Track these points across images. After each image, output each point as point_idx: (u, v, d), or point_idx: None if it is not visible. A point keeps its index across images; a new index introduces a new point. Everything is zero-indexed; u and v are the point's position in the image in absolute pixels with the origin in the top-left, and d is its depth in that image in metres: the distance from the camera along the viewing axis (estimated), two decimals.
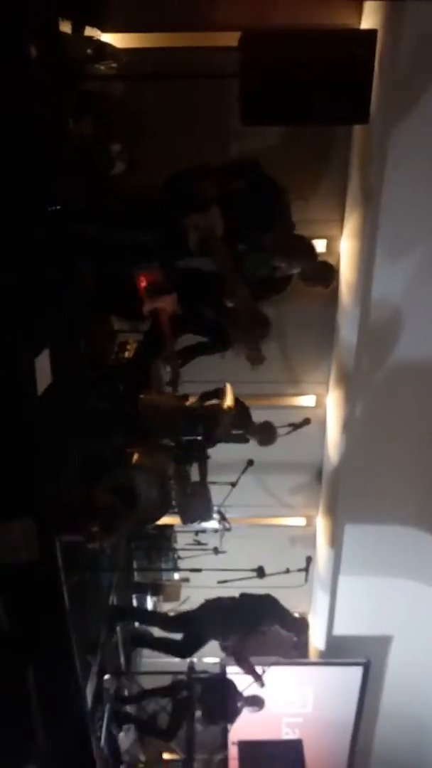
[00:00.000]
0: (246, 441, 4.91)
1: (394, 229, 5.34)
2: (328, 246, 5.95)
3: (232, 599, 5.61)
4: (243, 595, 5.67)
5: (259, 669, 5.58)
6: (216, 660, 6.86)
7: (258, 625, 5.46)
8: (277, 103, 3.76)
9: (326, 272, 4.52)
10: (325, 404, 6.84)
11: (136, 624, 6.32)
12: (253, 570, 5.20)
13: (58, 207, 3.80)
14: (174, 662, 6.24)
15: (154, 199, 4.60)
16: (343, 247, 5.95)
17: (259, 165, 4.15)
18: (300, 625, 5.83)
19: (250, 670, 5.67)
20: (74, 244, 4.12)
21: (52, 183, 3.91)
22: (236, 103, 3.97)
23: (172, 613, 6.32)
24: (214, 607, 5.63)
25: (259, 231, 4.13)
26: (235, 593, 5.67)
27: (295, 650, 5.81)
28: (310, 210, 5.63)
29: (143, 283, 4.34)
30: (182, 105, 5.16)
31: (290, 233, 4.23)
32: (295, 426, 5.07)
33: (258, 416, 5.13)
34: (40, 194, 3.77)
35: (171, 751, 6.69)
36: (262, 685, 5.73)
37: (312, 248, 4.35)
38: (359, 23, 4.96)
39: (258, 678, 5.63)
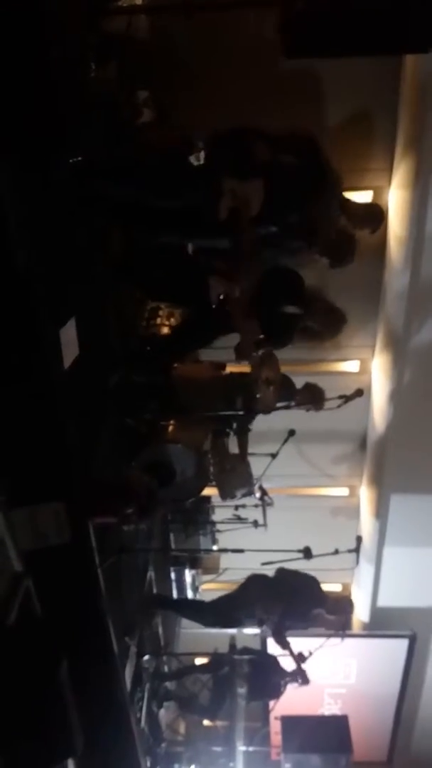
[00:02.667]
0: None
1: None
2: (375, 197, 5.50)
3: (274, 579, 5.36)
4: (283, 573, 5.41)
5: (304, 650, 5.35)
6: (256, 631, 6.71)
7: (300, 609, 5.22)
8: (323, 31, 3.30)
9: (374, 214, 4.09)
10: (370, 370, 6.47)
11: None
12: (299, 551, 4.92)
13: (80, 159, 3.42)
14: (214, 637, 6.10)
15: (184, 155, 4.23)
16: (392, 198, 5.49)
17: (317, 143, 3.69)
18: (343, 605, 5.56)
19: (288, 649, 5.47)
20: (100, 202, 3.77)
21: (73, 134, 3.56)
22: (276, 35, 3.52)
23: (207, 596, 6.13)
24: (254, 589, 5.40)
25: (300, 218, 3.68)
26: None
27: (340, 629, 5.57)
28: (354, 158, 5.18)
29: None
30: (215, 42, 4.71)
31: (334, 227, 3.81)
32: (347, 398, 4.73)
33: (298, 384, 4.81)
34: (61, 146, 3.42)
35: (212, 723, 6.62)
36: (303, 661, 5.54)
37: (353, 248, 3.94)
38: None
39: (298, 658, 5.43)
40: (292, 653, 5.34)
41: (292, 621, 5.27)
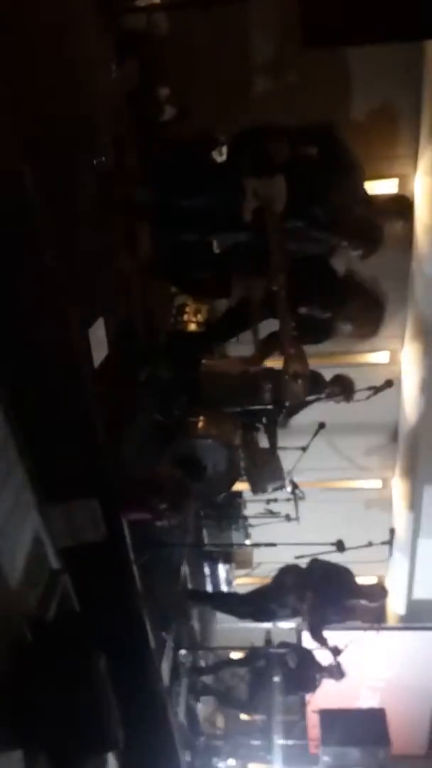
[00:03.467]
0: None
1: None
2: (401, 185, 5.41)
3: (307, 570, 5.34)
4: (317, 564, 5.38)
5: (340, 643, 5.33)
6: (292, 625, 6.70)
7: (333, 601, 5.18)
8: (342, 19, 3.26)
9: (402, 206, 4.03)
10: (400, 360, 6.39)
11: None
12: (332, 544, 4.89)
13: (103, 158, 3.44)
14: (250, 631, 6.11)
15: (207, 151, 4.22)
16: (418, 186, 5.39)
17: (336, 132, 3.65)
18: (378, 594, 5.52)
19: (323, 643, 5.45)
20: (126, 202, 3.79)
21: (98, 135, 3.58)
22: (295, 25, 3.49)
23: (242, 590, 6.13)
24: (287, 579, 5.39)
25: (324, 209, 3.65)
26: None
27: (375, 620, 5.52)
28: (379, 146, 5.11)
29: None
30: (235, 36, 4.69)
31: (358, 214, 3.77)
32: (376, 389, 4.68)
33: (327, 377, 4.77)
34: (86, 148, 3.45)
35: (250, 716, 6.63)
36: (338, 654, 5.52)
37: (380, 234, 3.88)
38: None
39: (334, 651, 5.42)
40: (327, 647, 5.33)
41: (327, 612, 5.24)
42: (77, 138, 3.29)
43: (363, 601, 5.25)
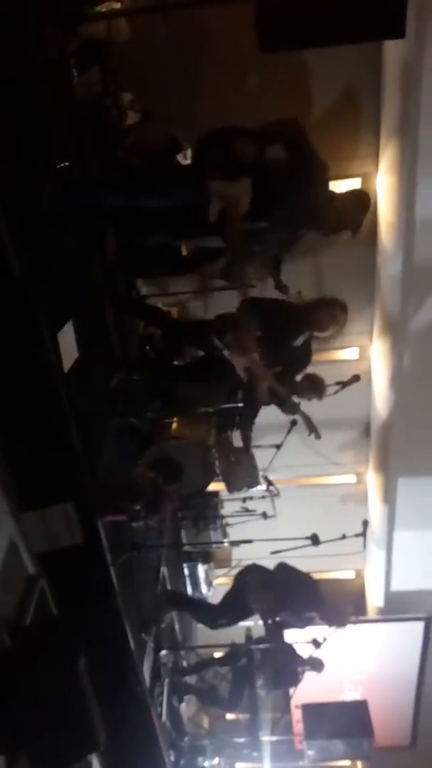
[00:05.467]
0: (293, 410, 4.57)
1: None
2: (363, 184, 5.49)
3: (271, 572, 5.33)
4: (283, 567, 5.33)
5: (318, 636, 5.39)
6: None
7: (293, 608, 5.15)
8: (297, 22, 3.30)
9: (361, 200, 4.04)
10: (369, 356, 6.49)
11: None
12: (307, 538, 4.96)
13: (67, 164, 3.46)
14: (230, 630, 6.13)
15: (171, 155, 4.25)
16: (380, 184, 5.49)
17: (301, 128, 3.67)
18: (341, 615, 5.41)
19: (276, 641, 5.49)
20: (90, 207, 3.80)
21: (60, 141, 3.59)
22: (253, 29, 3.54)
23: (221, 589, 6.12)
24: (249, 577, 5.39)
25: (288, 212, 3.68)
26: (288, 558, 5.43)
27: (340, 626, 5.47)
28: (341, 145, 5.20)
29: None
30: (195, 40, 4.73)
31: (328, 208, 3.81)
32: (344, 384, 4.74)
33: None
34: (48, 153, 3.46)
35: (234, 715, 6.67)
36: (317, 647, 5.55)
37: (359, 220, 3.92)
38: None
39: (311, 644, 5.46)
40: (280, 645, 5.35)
41: (284, 617, 5.23)
42: (39, 144, 3.31)
43: (320, 620, 5.19)
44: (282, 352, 4.26)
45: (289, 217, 3.68)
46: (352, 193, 3.97)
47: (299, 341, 4.30)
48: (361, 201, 3.95)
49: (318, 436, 4.39)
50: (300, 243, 4.04)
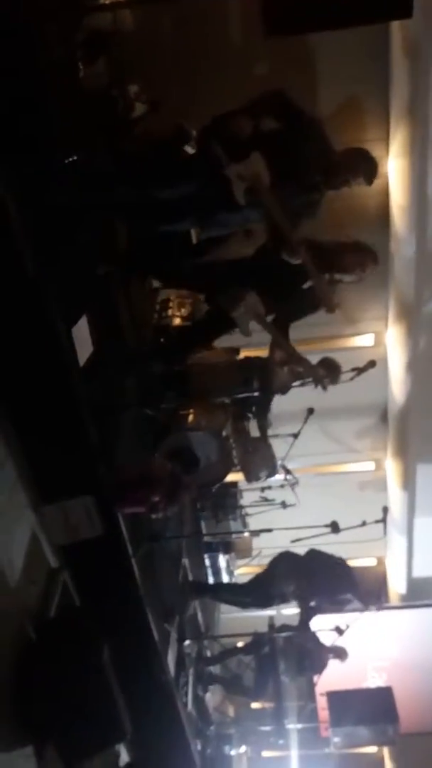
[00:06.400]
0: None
1: None
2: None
3: (303, 558, 5.38)
4: (314, 554, 5.41)
5: (342, 624, 5.39)
6: (296, 610, 6.76)
7: (327, 592, 5.22)
8: (302, 4, 3.28)
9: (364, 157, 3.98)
10: (385, 342, 6.45)
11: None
12: (326, 525, 4.95)
13: (75, 158, 3.46)
14: (253, 620, 6.16)
15: (180, 144, 4.24)
16: (391, 168, 5.44)
17: (285, 95, 3.67)
18: (374, 594, 5.51)
19: (306, 629, 5.51)
20: (100, 200, 3.81)
21: (68, 135, 3.60)
22: (257, 15, 3.51)
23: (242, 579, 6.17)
24: (283, 567, 5.43)
25: (304, 171, 3.69)
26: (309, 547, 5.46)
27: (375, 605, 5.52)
28: (350, 131, 5.15)
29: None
30: (200, 29, 4.71)
31: (337, 155, 3.79)
32: (360, 370, 4.72)
33: (313, 362, 4.80)
34: (57, 149, 3.47)
35: (260, 703, 6.70)
36: (340, 635, 5.57)
37: (365, 152, 3.87)
38: None
39: (336, 632, 5.48)
40: (309, 634, 5.38)
41: (319, 602, 5.28)
42: (48, 138, 3.31)
43: (356, 601, 5.26)
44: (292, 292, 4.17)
45: (307, 172, 3.68)
46: (350, 149, 3.93)
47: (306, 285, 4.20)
48: (360, 152, 3.91)
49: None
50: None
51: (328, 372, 4.50)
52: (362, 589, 5.23)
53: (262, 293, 4.03)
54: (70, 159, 3.48)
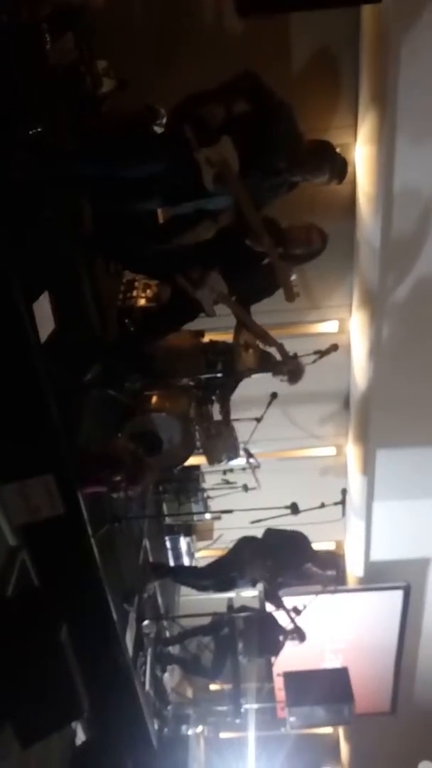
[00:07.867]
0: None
1: (414, 129, 4.87)
2: (342, 154, 5.45)
3: (262, 539, 5.47)
4: (271, 532, 5.50)
5: (299, 605, 5.48)
6: (255, 594, 6.84)
7: (290, 566, 5.32)
8: None
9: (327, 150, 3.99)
10: (348, 329, 6.52)
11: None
12: (286, 507, 5.02)
13: (39, 130, 3.40)
14: (213, 600, 6.21)
15: (148, 123, 4.20)
16: (359, 155, 5.48)
17: (257, 76, 3.64)
18: (332, 561, 5.66)
19: (281, 606, 5.59)
20: (63, 175, 3.74)
21: (33, 108, 3.52)
22: None
23: (203, 562, 6.23)
24: (245, 551, 5.50)
25: (272, 154, 3.67)
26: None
27: (333, 583, 5.66)
28: (319, 116, 5.16)
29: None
30: (171, 6, 4.64)
31: (305, 143, 3.79)
32: (322, 353, 4.75)
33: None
34: (21, 122, 3.40)
35: (218, 684, 6.77)
36: (298, 615, 5.66)
37: (332, 147, 3.88)
38: None
39: (294, 612, 5.56)
40: (286, 610, 5.47)
41: (285, 577, 5.37)
42: (11, 111, 3.24)
43: (316, 569, 5.37)
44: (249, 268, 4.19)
45: (276, 158, 3.67)
46: (318, 141, 3.93)
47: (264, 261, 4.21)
48: (324, 145, 3.91)
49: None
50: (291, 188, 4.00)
51: (290, 371, 4.50)
52: (321, 559, 5.33)
53: (222, 273, 4.03)
54: (33, 132, 3.41)
